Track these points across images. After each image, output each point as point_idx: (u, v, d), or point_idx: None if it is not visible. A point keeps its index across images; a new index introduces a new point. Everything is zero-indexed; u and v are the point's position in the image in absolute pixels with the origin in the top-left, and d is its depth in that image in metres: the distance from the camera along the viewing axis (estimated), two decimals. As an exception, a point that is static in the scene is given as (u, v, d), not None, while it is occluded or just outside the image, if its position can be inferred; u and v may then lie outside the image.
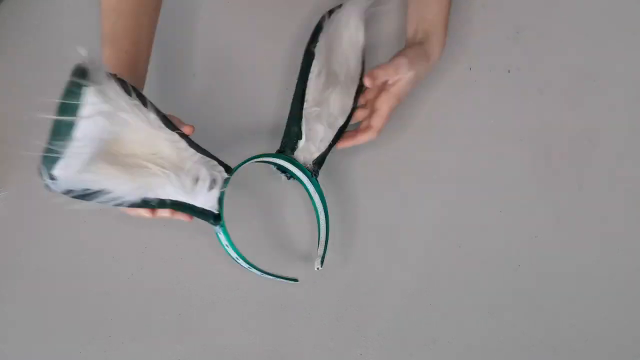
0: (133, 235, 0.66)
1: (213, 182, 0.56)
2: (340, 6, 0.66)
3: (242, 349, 0.62)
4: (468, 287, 0.63)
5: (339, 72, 0.64)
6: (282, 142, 0.62)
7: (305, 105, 0.61)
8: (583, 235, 0.65)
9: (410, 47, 0.62)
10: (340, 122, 0.63)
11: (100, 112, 0.47)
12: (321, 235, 0.61)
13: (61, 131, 0.47)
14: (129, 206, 0.52)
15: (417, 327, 0.62)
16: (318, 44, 0.62)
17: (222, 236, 0.57)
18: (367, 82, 0.57)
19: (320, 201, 0.62)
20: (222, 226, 0.56)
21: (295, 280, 0.61)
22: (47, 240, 0.66)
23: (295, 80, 0.62)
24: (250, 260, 0.58)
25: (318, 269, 0.60)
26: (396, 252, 0.65)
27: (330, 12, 0.65)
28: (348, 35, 0.65)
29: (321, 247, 0.61)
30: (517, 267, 0.64)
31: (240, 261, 0.58)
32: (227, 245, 0.57)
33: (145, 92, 0.59)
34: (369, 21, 0.67)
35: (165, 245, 0.66)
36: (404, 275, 0.64)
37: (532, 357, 0.61)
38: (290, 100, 0.62)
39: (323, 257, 0.60)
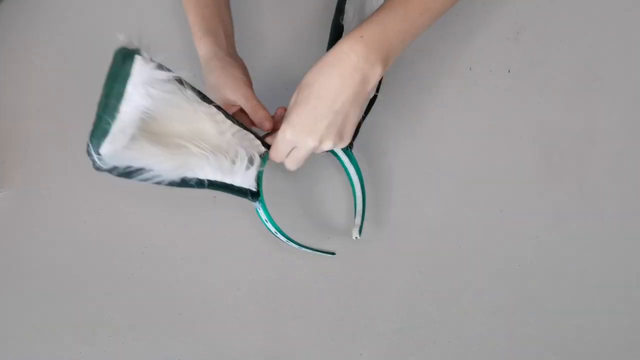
0: (133, 235, 0.66)
1: (251, 159, 0.55)
2: None
3: (242, 349, 0.62)
4: (468, 287, 0.63)
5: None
6: None
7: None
8: (583, 235, 0.65)
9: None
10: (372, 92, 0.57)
11: (148, 84, 0.47)
12: (358, 206, 0.62)
13: (109, 104, 0.46)
14: (167, 184, 0.52)
15: (417, 327, 0.62)
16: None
17: (261, 212, 0.58)
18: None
19: (355, 172, 0.62)
20: (262, 202, 0.57)
21: (333, 253, 0.62)
22: (47, 240, 0.66)
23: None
24: (289, 235, 0.59)
25: (357, 238, 0.61)
26: (396, 252, 0.65)
27: None
28: None
29: (359, 217, 0.62)
30: (517, 267, 0.64)
31: (280, 235, 0.59)
32: (266, 221, 0.59)
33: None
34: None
35: (165, 245, 0.66)
36: (404, 275, 0.64)
37: (532, 357, 0.61)
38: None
39: (361, 227, 0.61)
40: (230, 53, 0.60)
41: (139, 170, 0.50)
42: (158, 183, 0.51)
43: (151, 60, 0.48)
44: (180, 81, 0.49)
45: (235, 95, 0.56)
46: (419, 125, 0.67)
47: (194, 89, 0.50)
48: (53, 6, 0.76)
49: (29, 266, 0.65)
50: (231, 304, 0.63)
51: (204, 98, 0.51)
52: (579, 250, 0.64)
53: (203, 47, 0.60)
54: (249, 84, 0.57)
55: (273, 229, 0.59)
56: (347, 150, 0.61)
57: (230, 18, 0.64)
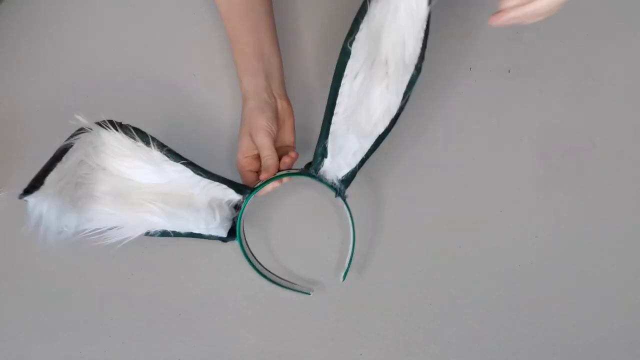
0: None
1: (221, 209, 0.59)
2: None
3: (242, 349, 0.62)
4: (468, 287, 0.63)
5: (390, 59, 0.56)
6: (313, 158, 0.59)
7: (335, 118, 0.56)
8: (583, 235, 0.65)
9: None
10: (381, 128, 0.58)
11: (83, 162, 0.56)
12: (350, 250, 0.61)
13: (47, 167, 0.54)
14: (133, 237, 0.58)
15: (417, 327, 0.62)
16: (358, 35, 0.54)
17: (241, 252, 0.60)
18: (494, 22, 0.50)
19: (349, 218, 0.60)
20: (240, 244, 0.59)
21: (308, 293, 0.62)
22: (47, 241, 0.66)
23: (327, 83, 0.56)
24: (269, 270, 0.61)
25: (342, 281, 0.61)
26: (396, 252, 0.65)
27: None
28: (406, 8, 0.54)
29: (347, 260, 0.61)
30: (517, 267, 0.64)
31: (255, 272, 0.60)
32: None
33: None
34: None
35: (165, 245, 0.65)
36: (404, 276, 0.64)
37: (532, 357, 0.61)
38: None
39: (346, 271, 0.61)
40: (272, 91, 0.62)
41: (98, 230, 0.57)
42: (123, 240, 0.57)
43: (121, 127, 0.56)
44: (147, 142, 0.56)
45: (255, 140, 0.59)
46: (419, 125, 0.67)
47: (162, 146, 0.56)
48: (53, 6, 0.76)
49: (29, 266, 0.65)
50: (231, 304, 0.63)
51: (173, 156, 0.56)
52: (579, 250, 0.64)
53: (243, 86, 0.63)
54: (270, 132, 0.59)
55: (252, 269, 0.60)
56: (340, 197, 0.60)
57: (277, 55, 0.64)
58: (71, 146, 0.55)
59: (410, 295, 0.63)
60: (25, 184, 0.68)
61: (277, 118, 0.61)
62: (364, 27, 0.55)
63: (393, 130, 0.65)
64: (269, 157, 0.58)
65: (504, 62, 0.68)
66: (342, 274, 0.60)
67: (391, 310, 0.63)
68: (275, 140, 0.60)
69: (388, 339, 0.62)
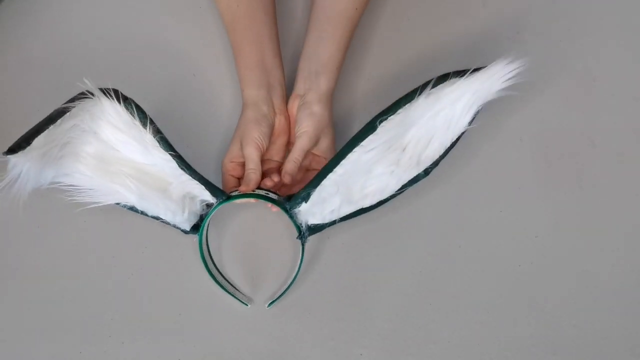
0: (133, 235, 0.66)
1: (192, 205, 0.60)
2: (459, 74, 0.56)
3: (242, 349, 0.62)
4: (468, 287, 0.63)
5: (408, 150, 0.58)
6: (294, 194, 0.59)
7: (331, 175, 0.57)
8: (583, 235, 0.65)
9: (300, 115, 0.61)
10: (367, 202, 0.59)
11: (77, 126, 0.57)
12: (288, 283, 0.61)
13: (45, 119, 0.55)
14: (102, 204, 0.60)
15: (417, 327, 0.62)
16: (392, 117, 0.56)
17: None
18: (286, 180, 0.58)
19: (299, 260, 0.60)
20: (199, 242, 0.60)
21: (246, 304, 0.62)
22: (47, 240, 0.66)
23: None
24: (220, 271, 0.63)
25: (267, 307, 0.62)
26: (396, 251, 0.65)
27: (442, 78, 0.56)
28: (448, 115, 0.57)
29: (280, 292, 0.62)
30: (517, 267, 0.64)
31: (205, 270, 0.61)
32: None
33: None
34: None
35: (165, 245, 0.66)
36: (404, 275, 0.64)
37: (532, 357, 0.61)
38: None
39: (275, 301, 0.61)
40: (273, 105, 0.63)
41: (73, 187, 0.59)
42: (92, 202, 0.59)
43: (127, 103, 0.57)
44: (144, 124, 0.57)
45: (243, 150, 0.60)
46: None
47: (157, 132, 0.57)
48: (53, 6, 0.76)
49: (29, 266, 0.65)
50: (231, 304, 0.63)
51: (165, 144, 0.57)
52: (579, 250, 0.64)
53: (244, 95, 0.63)
54: (260, 147, 0.60)
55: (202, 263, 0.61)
56: (301, 239, 0.60)
57: (280, 68, 0.65)
58: (68, 110, 0.55)
59: (410, 295, 0.63)
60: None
61: (271, 134, 0.62)
62: (401, 112, 0.56)
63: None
64: (252, 171, 0.59)
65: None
66: (270, 301, 0.62)
67: (391, 310, 0.63)
68: (263, 154, 0.61)
69: (388, 339, 0.62)
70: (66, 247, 0.66)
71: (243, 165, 0.61)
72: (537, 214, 0.65)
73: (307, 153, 0.61)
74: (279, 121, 0.63)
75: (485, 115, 0.67)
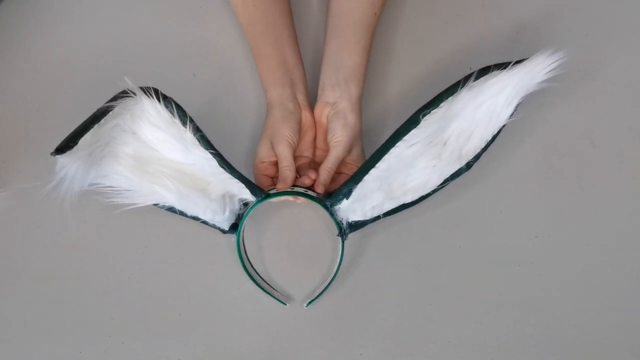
0: (133, 235, 0.66)
1: (232, 205, 0.60)
2: (500, 66, 0.56)
3: (242, 349, 0.62)
4: (468, 287, 0.63)
5: (450, 144, 0.58)
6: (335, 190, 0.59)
7: (373, 171, 0.57)
8: (583, 235, 0.65)
9: (335, 125, 0.60)
10: (409, 198, 0.59)
11: (118, 125, 0.56)
12: (325, 288, 0.61)
13: (84, 127, 0.54)
14: (141, 205, 0.59)
15: (417, 327, 0.62)
16: (435, 111, 0.56)
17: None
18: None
19: (339, 258, 0.60)
20: (237, 241, 0.60)
21: (285, 303, 0.62)
22: (47, 240, 0.66)
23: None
24: (256, 270, 0.62)
25: (305, 306, 0.62)
26: (396, 252, 0.65)
27: (483, 70, 0.56)
28: (489, 108, 0.57)
29: (319, 291, 0.61)
30: (517, 267, 0.64)
31: (243, 271, 0.60)
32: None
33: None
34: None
35: (165, 245, 0.66)
36: (404, 275, 0.64)
37: (532, 357, 0.61)
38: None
39: (314, 300, 0.61)
40: (297, 102, 0.63)
41: (112, 188, 0.58)
42: (130, 204, 0.58)
43: (166, 101, 0.56)
44: (184, 122, 0.56)
45: (275, 149, 0.60)
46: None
47: (197, 131, 0.57)
48: (53, 5, 0.76)
49: (29, 266, 0.65)
50: (231, 304, 0.63)
51: (205, 143, 0.57)
52: (579, 250, 0.64)
53: (268, 96, 0.63)
54: (292, 143, 0.60)
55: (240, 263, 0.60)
56: (341, 237, 0.60)
57: (301, 66, 0.65)
58: (112, 109, 0.55)
59: (410, 295, 0.63)
60: (25, 184, 0.68)
61: (299, 129, 0.62)
62: (444, 106, 0.56)
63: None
64: (287, 168, 0.58)
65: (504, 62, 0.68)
66: (309, 301, 0.61)
67: (391, 310, 0.63)
68: (294, 151, 0.61)
69: (388, 339, 0.62)
70: (66, 247, 0.66)
71: (275, 164, 0.61)
72: (537, 214, 0.65)
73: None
74: (305, 117, 0.63)
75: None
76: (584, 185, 0.66)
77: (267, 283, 0.63)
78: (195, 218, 0.60)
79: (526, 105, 0.68)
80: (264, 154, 0.61)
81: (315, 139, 0.64)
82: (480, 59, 0.68)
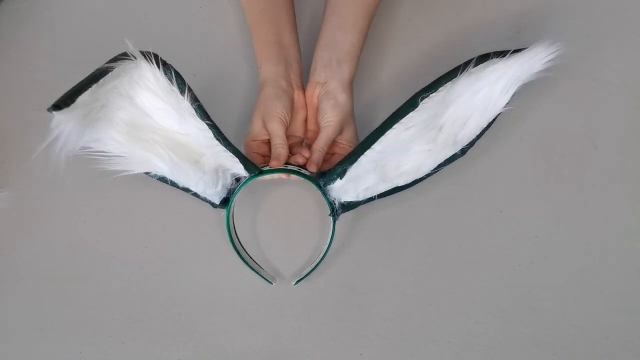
0: (133, 235, 0.66)
1: (225, 178, 0.59)
2: (499, 55, 0.57)
3: (242, 349, 0.62)
4: (468, 287, 0.63)
5: (445, 129, 0.58)
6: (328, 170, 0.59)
7: (369, 152, 0.57)
8: (583, 235, 0.65)
9: (325, 105, 0.60)
10: (402, 181, 0.59)
11: (116, 88, 0.55)
12: (314, 267, 0.61)
13: (87, 79, 0.53)
14: (133, 172, 0.58)
15: (417, 327, 0.62)
16: (433, 95, 0.56)
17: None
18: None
19: (329, 238, 0.60)
20: (227, 216, 0.59)
21: (270, 282, 0.62)
22: (47, 240, 0.66)
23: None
24: (244, 248, 0.61)
25: (294, 285, 0.62)
26: (396, 251, 0.65)
27: (483, 58, 0.57)
28: (486, 95, 0.57)
29: (307, 270, 0.61)
30: (517, 267, 0.64)
31: (230, 244, 0.60)
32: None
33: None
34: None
35: (165, 245, 0.66)
36: (404, 275, 0.64)
37: (532, 357, 0.61)
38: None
39: (302, 279, 0.61)
40: (290, 81, 0.63)
41: (104, 154, 0.56)
42: (121, 170, 0.57)
43: (165, 67, 0.55)
44: (182, 91, 0.55)
45: (267, 126, 0.60)
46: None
47: (194, 100, 0.55)
48: (53, 5, 0.76)
49: (29, 266, 0.65)
50: (231, 304, 0.63)
51: (202, 113, 0.56)
52: (579, 250, 0.64)
53: (262, 72, 0.63)
54: (284, 121, 0.60)
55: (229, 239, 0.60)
56: (333, 217, 0.60)
57: (297, 46, 0.65)
58: (111, 70, 0.53)
59: (410, 295, 0.63)
60: (25, 184, 0.68)
61: (292, 108, 0.62)
62: (443, 90, 0.56)
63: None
64: (280, 145, 0.58)
65: (504, 62, 0.68)
66: (297, 280, 0.61)
67: (391, 310, 0.63)
68: (286, 129, 0.60)
69: (388, 339, 0.62)
70: (66, 247, 0.66)
71: (267, 142, 0.61)
72: (537, 214, 0.65)
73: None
74: (298, 96, 0.63)
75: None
76: (583, 185, 0.66)
77: (254, 261, 0.62)
78: (187, 190, 0.60)
79: (526, 105, 0.68)
80: (256, 131, 0.60)
81: (306, 120, 0.64)
82: (480, 59, 0.68)
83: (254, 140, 0.61)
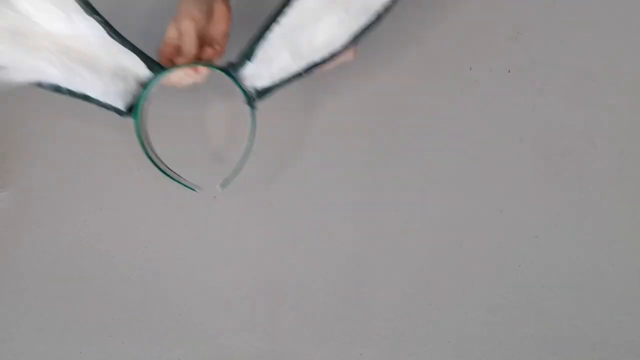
0: (133, 235, 0.66)
1: (125, 78, 0.55)
2: None
3: (242, 349, 0.62)
4: (468, 287, 0.63)
5: None
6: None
7: (275, 26, 0.52)
8: (583, 235, 0.65)
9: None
10: (318, 56, 0.55)
11: None
12: (240, 162, 0.57)
13: None
14: (20, 83, 0.53)
15: (417, 327, 0.62)
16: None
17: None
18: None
19: (249, 128, 0.56)
20: (135, 122, 0.55)
21: (194, 190, 0.58)
22: (47, 240, 0.66)
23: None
24: (160, 158, 0.57)
25: (219, 187, 0.57)
26: (396, 251, 0.65)
27: None
28: None
29: (234, 173, 0.57)
30: (517, 267, 0.64)
31: (146, 157, 0.56)
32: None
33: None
34: None
35: (165, 245, 0.66)
36: (404, 275, 0.64)
37: (532, 357, 0.61)
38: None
39: (228, 182, 0.57)
40: None
41: None
42: (9, 79, 0.52)
43: None
44: None
45: (179, 27, 0.56)
46: (419, 125, 0.67)
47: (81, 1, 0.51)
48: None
49: (29, 266, 0.65)
50: (231, 304, 0.63)
51: (88, 8, 0.51)
52: (579, 250, 0.64)
53: None
54: (196, 20, 0.56)
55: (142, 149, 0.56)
56: (250, 107, 0.56)
57: None
58: None
59: (410, 295, 0.63)
60: (25, 184, 0.68)
61: (210, 14, 0.57)
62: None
63: (393, 128, 0.64)
64: (188, 43, 0.55)
65: (504, 62, 0.68)
66: (223, 180, 0.57)
67: (391, 310, 0.63)
68: (203, 36, 0.57)
69: (388, 339, 0.62)
70: (66, 247, 0.66)
71: (180, 48, 0.57)
72: (537, 214, 0.65)
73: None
74: (219, 6, 0.58)
75: (485, 115, 0.67)
76: (584, 185, 0.66)
77: (172, 171, 0.58)
78: (86, 98, 0.55)
79: (526, 105, 0.68)
80: (170, 35, 0.56)
81: (227, 33, 0.59)
82: (481, 59, 0.69)
83: (167, 46, 0.56)
